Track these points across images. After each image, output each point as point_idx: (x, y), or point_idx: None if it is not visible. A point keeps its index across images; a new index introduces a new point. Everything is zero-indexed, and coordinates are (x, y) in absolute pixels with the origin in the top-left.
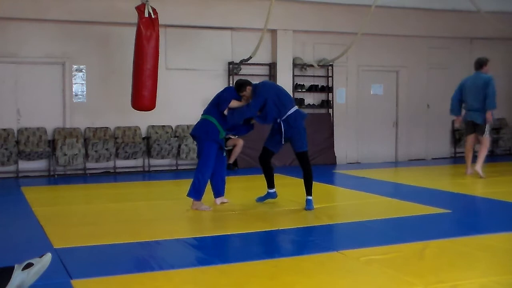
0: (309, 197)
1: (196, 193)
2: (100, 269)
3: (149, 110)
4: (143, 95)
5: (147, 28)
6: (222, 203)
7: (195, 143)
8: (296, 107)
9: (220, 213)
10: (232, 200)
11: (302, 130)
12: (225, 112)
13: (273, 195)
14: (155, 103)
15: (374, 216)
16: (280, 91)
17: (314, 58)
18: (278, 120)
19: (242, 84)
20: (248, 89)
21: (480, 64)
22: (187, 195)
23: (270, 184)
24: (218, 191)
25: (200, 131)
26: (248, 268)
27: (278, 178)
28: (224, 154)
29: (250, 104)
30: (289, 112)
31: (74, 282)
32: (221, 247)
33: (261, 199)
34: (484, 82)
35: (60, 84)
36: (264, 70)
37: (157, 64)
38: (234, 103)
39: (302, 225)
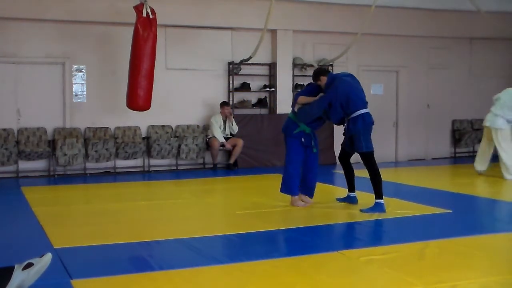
0: (377, 201)
1: (286, 188)
2: (100, 269)
3: (144, 110)
4: (138, 95)
5: (145, 28)
6: (303, 201)
7: None
8: (362, 111)
9: (220, 213)
10: (231, 200)
11: (362, 132)
12: (296, 110)
13: (353, 200)
14: (150, 103)
15: (374, 216)
16: (351, 92)
17: (314, 58)
18: (346, 119)
19: (316, 74)
20: (323, 79)
21: None
22: (280, 191)
23: (350, 187)
24: (303, 189)
25: (283, 128)
26: (248, 268)
27: (278, 178)
28: (314, 150)
29: (314, 104)
30: (354, 115)
31: (74, 282)
32: (221, 247)
33: (340, 199)
34: None
35: (60, 84)
36: (264, 70)
37: (154, 65)
38: (301, 99)
39: (302, 225)
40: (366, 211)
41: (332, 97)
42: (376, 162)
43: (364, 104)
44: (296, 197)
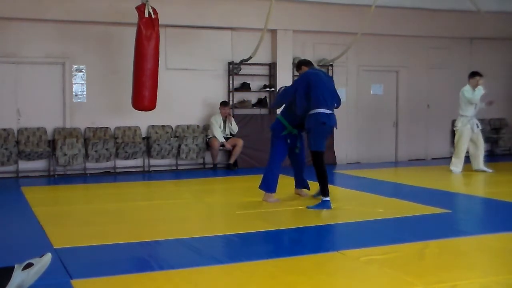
0: (323, 198)
1: (265, 186)
2: (100, 269)
3: (150, 110)
4: (144, 95)
5: (147, 28)
6: (299, 194)
7: None
8: (319, 110)
9: (220, 213)
10: (231, 200)
11: (312, 130)
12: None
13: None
14: (156, 103)
15: (374, 216)
16: (317, 88)
17: (314, 58)
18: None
19: (298, 64)
20: (304, 68)
21: None
22: (258, 187)
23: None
24: (298, 183)
25: (271, 128)
26: (248, 268)
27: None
28: (297, 151)
29: (281, 91)
30: (310, 112)
31: (74, 282)
32: (221, 247)
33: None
34: None
35: (60, 84)
36: (264, 70)
37: (158, 64)
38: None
39: (302, 225)
40: (312, 207)
41: (298, 85)
42: (374, 162)
43: (325, 105)
44: (271, 194)
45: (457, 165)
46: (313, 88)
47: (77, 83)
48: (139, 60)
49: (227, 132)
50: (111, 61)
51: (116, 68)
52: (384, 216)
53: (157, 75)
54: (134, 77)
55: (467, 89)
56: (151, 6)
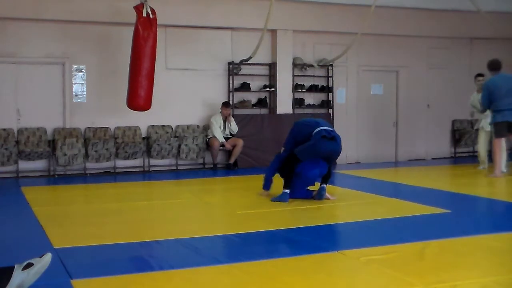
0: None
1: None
2: (100, 269)
3: (144, 110)
4: (139, 95)
5: (145, 28)
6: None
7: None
8: (318, 129)
9: (220, 213)
10: (231, 200)
11: (312, 140)
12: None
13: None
14: (151, 103)
15: (374, 216)
16: (302, 124)
17: (314, 58)
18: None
19: None
20: None
21: (500, 65)
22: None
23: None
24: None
25: None
26: (248, 268)
27: (278, 178)
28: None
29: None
30: (316, 130)
31: (74, 282)
32: (221, 247)
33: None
34: None
35: (60, 84)
36: (264, 70)
37: (154, 64)
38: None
39: (302, 225)
40: (275, 199)
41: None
42: (374, 162)
43: (317, 125)
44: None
45: (480, 164)
46: (299, 127)
47: (77, 83)
48: (136, 60)
49: (227, 132)
50: (111, 61)
51: (116, 68)
52: (384, 216)
53: (153, 75)
54: (130, 76)
55: (473, 95)
56: (150, 6)
